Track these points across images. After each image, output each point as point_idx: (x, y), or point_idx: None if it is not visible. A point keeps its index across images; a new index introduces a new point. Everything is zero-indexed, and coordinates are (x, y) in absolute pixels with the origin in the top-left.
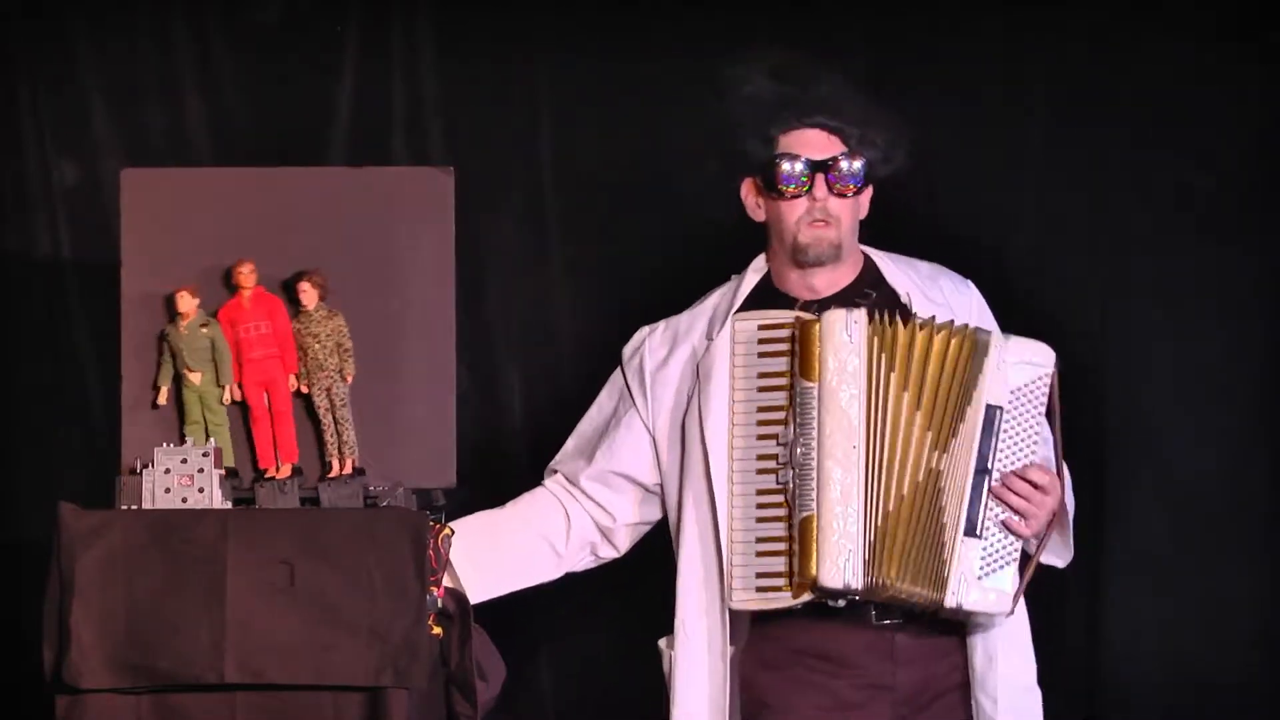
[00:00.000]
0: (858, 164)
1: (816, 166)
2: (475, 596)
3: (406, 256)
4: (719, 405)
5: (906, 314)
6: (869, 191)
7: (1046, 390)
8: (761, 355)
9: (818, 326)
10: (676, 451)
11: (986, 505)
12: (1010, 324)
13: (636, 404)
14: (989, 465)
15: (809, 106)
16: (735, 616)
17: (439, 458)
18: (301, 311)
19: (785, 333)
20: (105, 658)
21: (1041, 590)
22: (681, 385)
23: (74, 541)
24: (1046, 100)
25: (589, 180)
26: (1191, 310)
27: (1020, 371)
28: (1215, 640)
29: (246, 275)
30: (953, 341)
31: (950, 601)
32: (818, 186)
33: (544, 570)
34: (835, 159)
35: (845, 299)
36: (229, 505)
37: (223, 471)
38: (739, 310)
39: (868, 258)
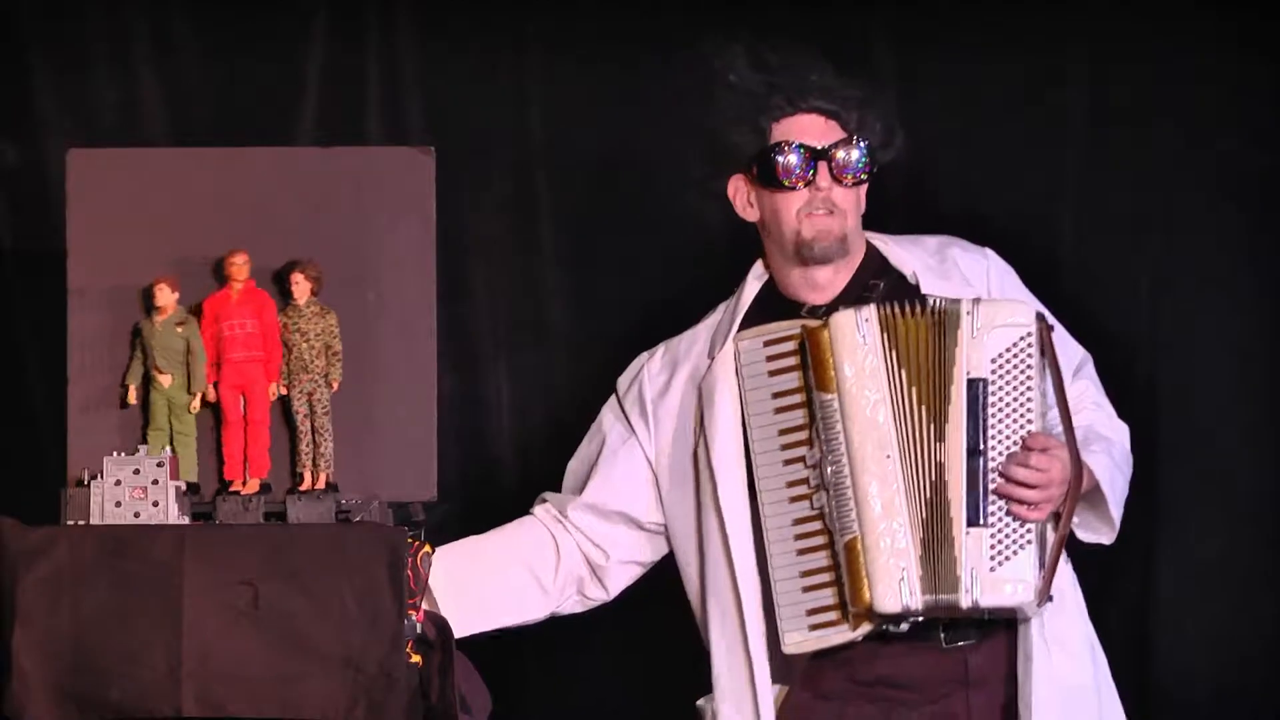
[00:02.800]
0: (860, 151)
1: (818, 155)
2: (456, 631)
3: (383, 246)
4: (725, 430)
5: (913, 296)
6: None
7: (1033, 350)
8: (772, 374)
9: (826, 333)
10: (687, 485)
11: (986, 490)
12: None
13: (637, 434)
14: (981, 445)
15: (803, 90)
16: (779, 661)
17: (418, 468)
18: (290, 305)
19: (793, 345)
20: (50, 688)
21: (1087, 594)
22: (684, 412)
23: (15, 560)
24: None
25: (582, 162)
26: (1244, 302)
27: (999, 336)
28: (1268, 648)
29: (239, 267)
30: (927, 319)
31: (965, 601)
32: (820, 175)
33: (530, 608)
34: (836, 145)
35: (851, 294)
36: (187, 520)
37: (180, 484)
38: (743, 323)
39: (870, 244)
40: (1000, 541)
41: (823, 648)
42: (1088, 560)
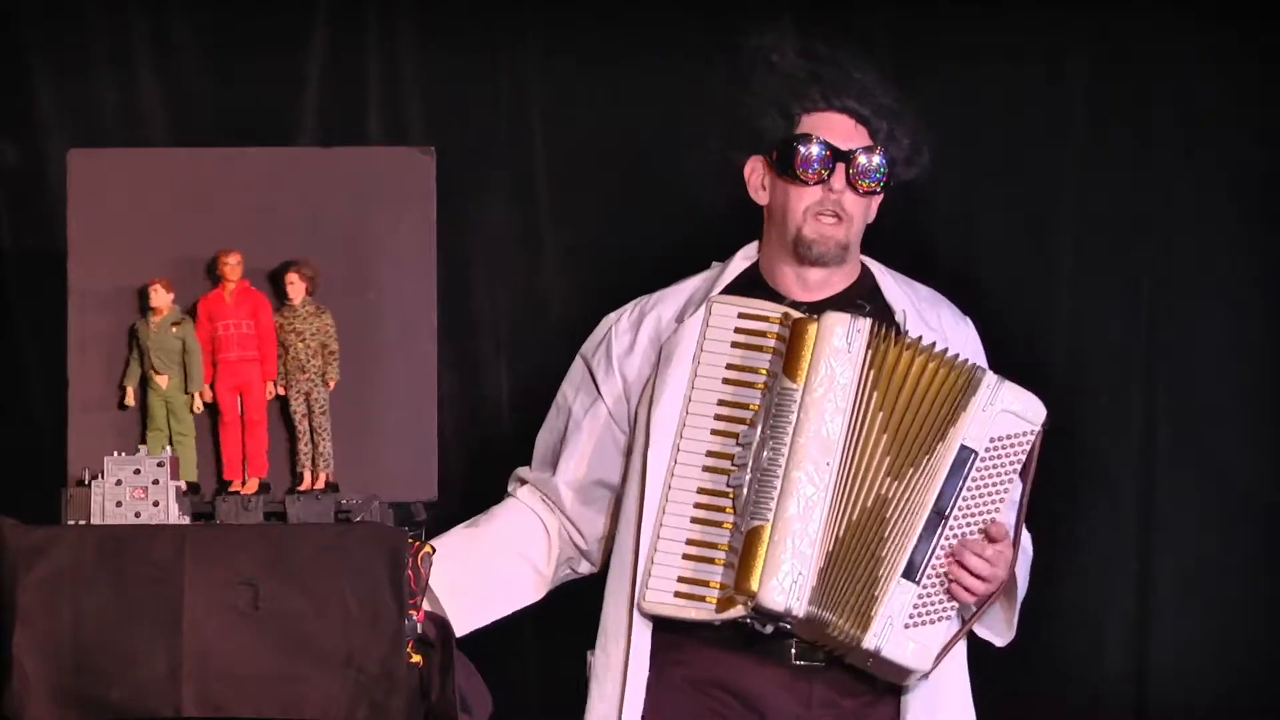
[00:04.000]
0: (881, 160)
1: (839, 155)
2: (459, 628)
3: (383, 245)
4: (672, 392)
5: (906, 333)
6: (880, 195)
7: (1028, 448)
8: (735, 345)
9: (814, 327)
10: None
11: (934, 553)
12: (1049, 318)
13: (602, 393)
14: (947, 510)
15: (842, 88)
16: (653, 622)
17: (419, 468)
18: (286, 305)
19: (770, 327)
20: (50, 688)
21: (1087, 604)
22: (644, 371)
23: (15, 560)
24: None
25: (584, 160)
26: (1244, 302)
27: (1005, 421)
28: (1266, 657)
29: (233, 267)
30: (943, 372)
31: (870, 643)
32: (836, 177)
33: (528, 594)
34: (859, 151)
35: (838, 305)
36: (187, 520)
37: (181, 484)
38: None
39: (865, 267)
40: (925, 605)
41: (678, 617)
42: (1089, 560)
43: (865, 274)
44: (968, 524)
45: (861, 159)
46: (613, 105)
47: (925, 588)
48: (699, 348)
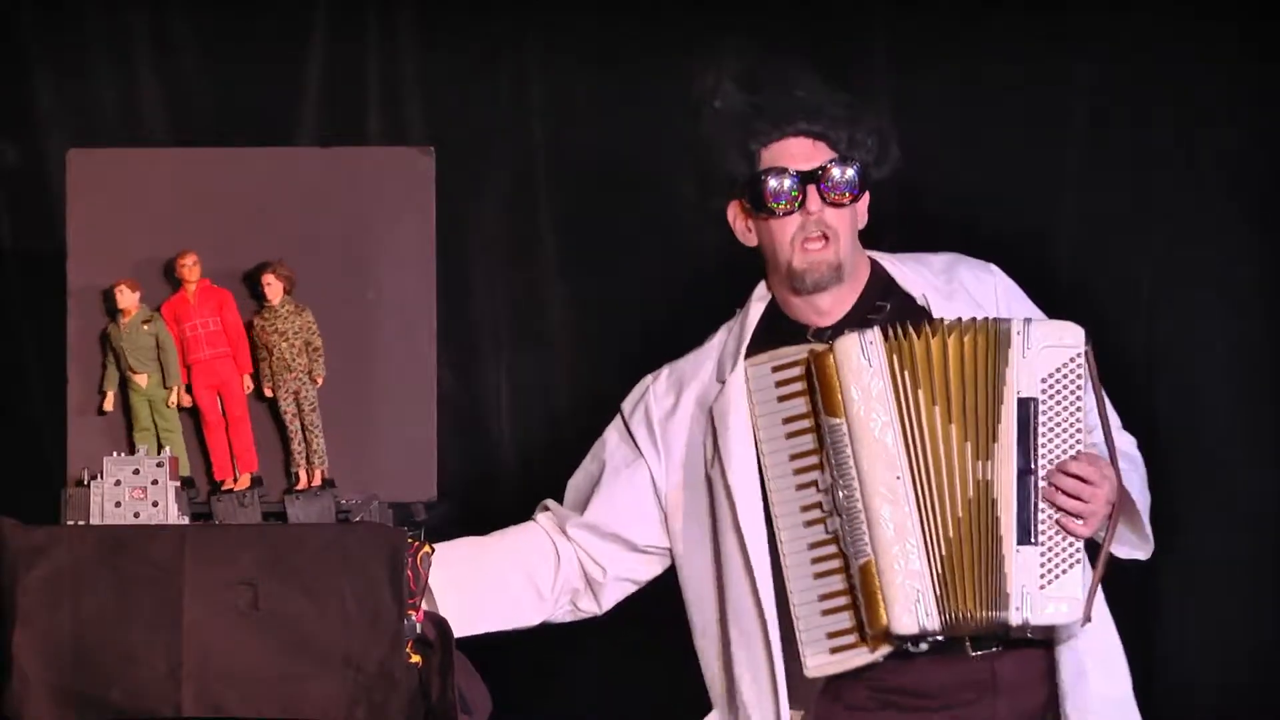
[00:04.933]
0: (851, 170)
1: (806, 178)
2: (462, 631)
3: (383, 245)
4: (741, 453)
5: (926, 318)
6: (866, 198)
7: (1082, 371)
8: (781, 399)
9: (831, 358)
10: (700, 506)
11: (1037, 508)
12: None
13: (645, 455)
14: (1032, 465)
15: (787, 112)
16: (797, 682)
17: (418, 468)
18: (266, 306)
19: (799, 370)
20: (50, 688)
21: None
22: (694, 434)
23: (16, 560)
24: (1090, 85)
25: (584, 162)
26: (1244, 302)
27: (1049, 356)
28: (1268, 662)
29: (189, 268)
30: (967, 339)
31: (1015, 619)
32: (810, 199)
33: (526, 613)
34: (825, 167)
35: (857, 317)
36: (186, 520)
37: (179, 483)
38: (749, 347)
39: (875, 264)
40: (1050, 560)
41: (843, 670)
42: None
43: (876, 273)
44: (1056, 467)
45: (832, 173)
46: (613, 105)
47: (1044, 544)
48: (752, 412)
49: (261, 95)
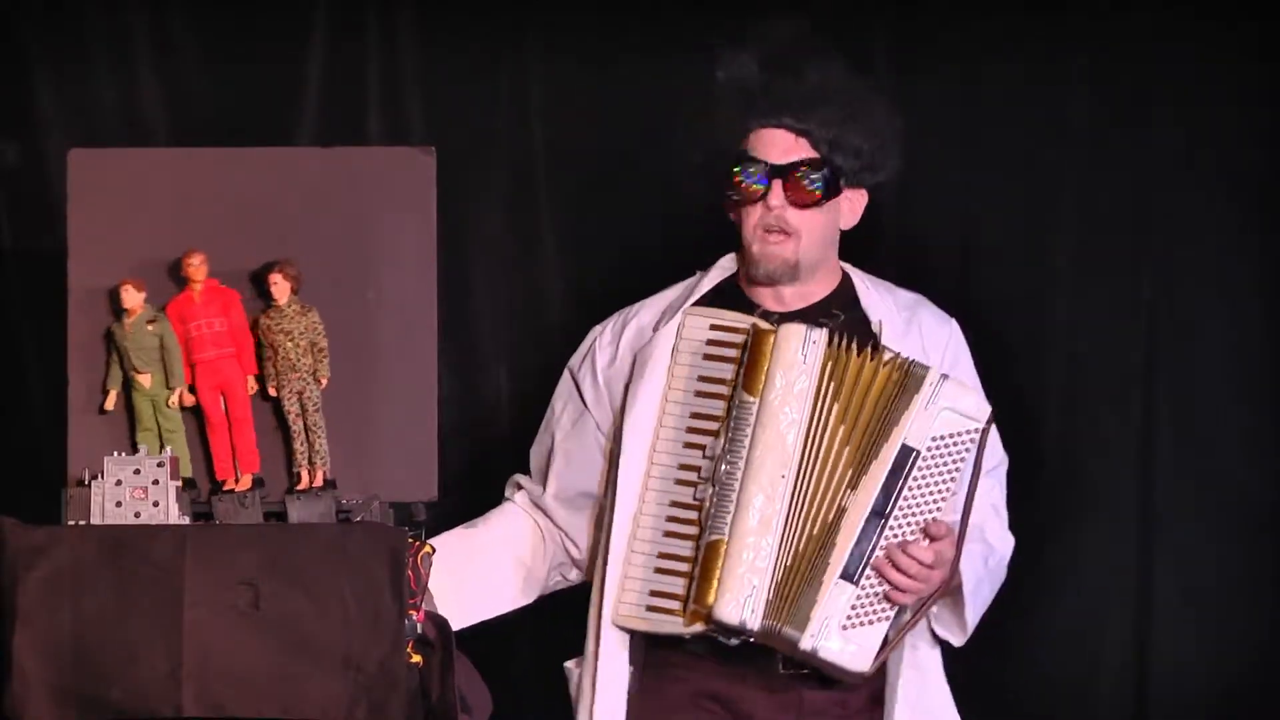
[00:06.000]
0: (819, 174)
1: (775, 172)
2: (453, 624)
3: (383, 245)
4: (646, 403)
5: (874, 343)
6: (855, 201)
7: (971, 448)
8: (707, 357)
9: (772, 338)
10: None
11: (872, 553)
12: (1048, 320)
13: (589, 406)
14: (886, 510)
15: (776, 103)
16: (636, 636)
17: (419, 468)
18: (272, 306)
19: (737, 338)
20: (51, 688)
21: (1085, 607)
22: (626, 379)
23: (16, 560)
24: (1090, 85)
25: (585, 160)
26: (1244, 303)
27: (948, 419)
28: (1268, 669)
29: (196, 267)
30: (886, 372)
31: (806, 643)
32: (773, 194)
33: (518, 595)
34: (796, 165)
35: (810, 316)
36: (187, 520)
37: (179, 483)
38: (696, 304)
39: (846, 276)
40: (862, 605)
41: (649, 631)
42: (1087, 562)
43: (845, 283)
44: (909, 524)
45: (800, 173)
46: (612, 105)
47: (864, 589)
48: (672, 359)
49: (261, 95)
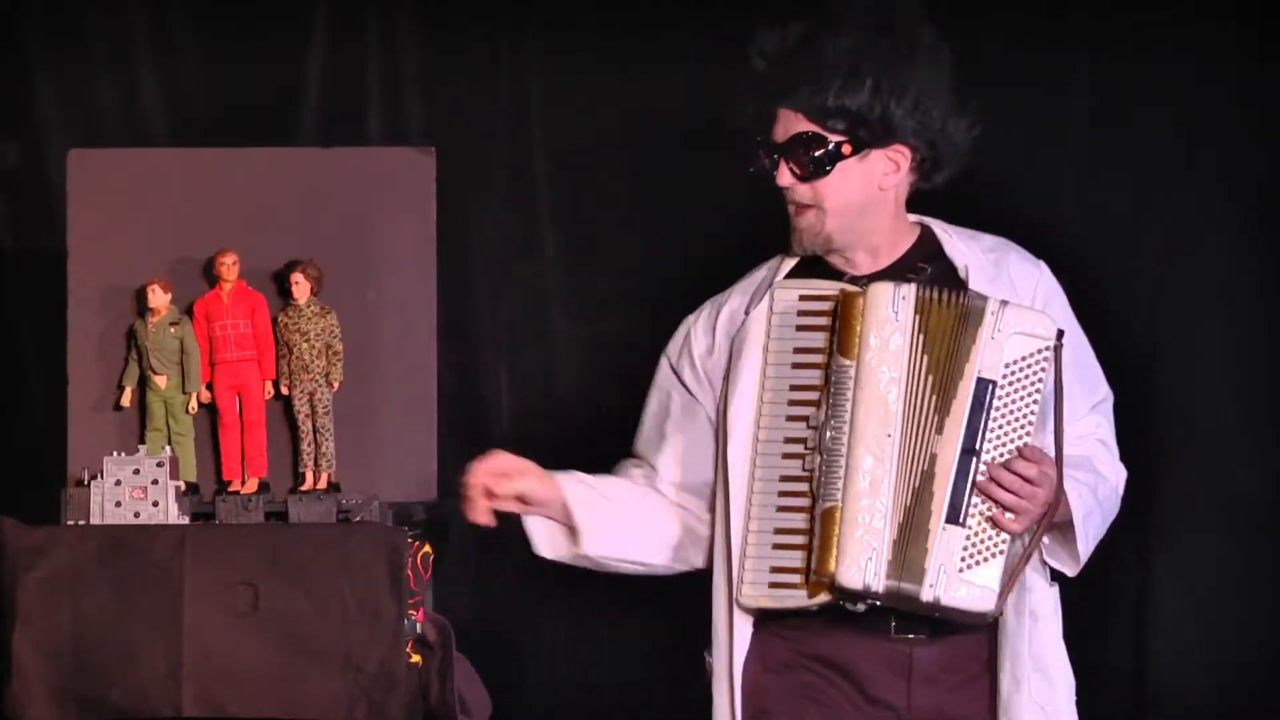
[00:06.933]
0: (817, 144)
1: (777, 150)
2: (586, 546)
3: (383, 245)
4: (747, 384)
5: (962, 288)
6: (894, 158)
7: (1047, 365)
8: (800, 329)
9: (862, 300)
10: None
11: (972, 491)
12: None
13: (697, 396)
14: (976, 446)
15: (772, 86)
16: (754, 615)
17: (419, 468)
18: (291, 305)
19: (827, 305)
20: (51, 688)
21: (1081, 604)
22: (725, 366)
23: (15, 560)
24: (1090, 85)
25: (584, 160)
26: (1244, 303)
27: (1017, 343)
28: (1269, 668)
29: (229, 267)
30: (947, 310)
31: (927, 595)
32: (781, 173)
33: (656, 548)
34: (791, 141)
35: (896, 273)
36: (186, 520)
37: (180, 484)
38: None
39: (926, 229)
40: (974, 545)
41: (776, 608)
42: (1088, 567)
43: (926, 235)
44: (1001, 454)
45: (797, 148)
46: (613, 105)
47: (971, 528)
48: (767, 336)
49: (261, 95)
